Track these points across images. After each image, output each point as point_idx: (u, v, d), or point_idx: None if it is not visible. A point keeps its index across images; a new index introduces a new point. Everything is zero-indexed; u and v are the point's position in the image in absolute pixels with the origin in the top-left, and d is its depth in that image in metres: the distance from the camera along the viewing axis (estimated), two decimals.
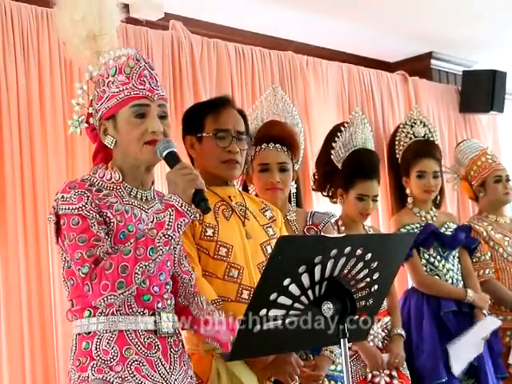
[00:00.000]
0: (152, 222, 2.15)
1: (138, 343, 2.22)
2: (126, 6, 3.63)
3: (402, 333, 3.83)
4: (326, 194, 4.02)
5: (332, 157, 3.95)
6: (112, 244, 2.21)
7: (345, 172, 3.88)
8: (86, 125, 2.35)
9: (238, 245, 2.70)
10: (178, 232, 2.15)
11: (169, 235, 2.13)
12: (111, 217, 2.21)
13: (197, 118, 2.81)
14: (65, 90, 3.49)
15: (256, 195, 3.23)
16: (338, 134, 3.97)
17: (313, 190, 4.12)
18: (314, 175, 4.07)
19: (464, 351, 4.01)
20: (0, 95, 3.32)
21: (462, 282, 4.22)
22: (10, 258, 3.26)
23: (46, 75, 3.44)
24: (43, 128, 3.42)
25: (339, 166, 3.91)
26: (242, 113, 2.88)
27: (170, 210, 2.13)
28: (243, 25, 4.62)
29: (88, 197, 2.20)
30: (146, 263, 2.12)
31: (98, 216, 2.20)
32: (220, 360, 2.56)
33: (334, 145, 3.94)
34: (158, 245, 2.12)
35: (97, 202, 2.21)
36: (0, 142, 3.32)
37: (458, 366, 3.99)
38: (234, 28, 4.59)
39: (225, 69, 4.11)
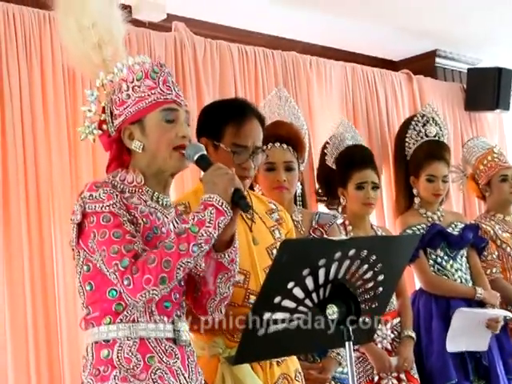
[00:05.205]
0: (193, 219, 2.11)
1: (160, 351, 2.16)
2: (128, 8, 3.62)
3: (413, 335, 3.79)
4: (326, 204, 4.06)
5: (326, 161, 3.98)
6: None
7: (339, 168, 3.92)
8: (99, 131, 2.29)
9: (243, 250, 2.63)
10: (218, 231, 2.11)
11: (210, 232, 2.08)
12: (138, 217, 2.18)
13: (216, 124, 2.67)
14: (68, 92, 3.50)
15: (262, 195, 3.21)
16: (328, 140, 4.03)
17: (318, 201, 4.12)
18: (317, 190, 4.09)
19: (465, 330, 3.95)
20: (3, 99, 3.33)
21: (471, 282, 4.19)
22: (14, 258, 3.26)
23: (49, 78, 3.44)
24: (47, 131, 3.42)
25: (334, 166, 3.95)
26: (261, 119, 2.73)
27: (210, 209, 2.10)
28: (247, 25, 4.61)
29: (117, 195, 2.16)
30: (189, 260, 2.07)
31: (128, 215, 2.16)
32: (225, 364, 2.54)
33: (325, 151, 3.99)
34: (199, 241, 2.07)
35: (124, 201, 2.18)
36: (4, 146, 3.32)
37: (452, 343, 3.93)
38: (237, 28, 4.57)
39: (228, 70, 4.11)
